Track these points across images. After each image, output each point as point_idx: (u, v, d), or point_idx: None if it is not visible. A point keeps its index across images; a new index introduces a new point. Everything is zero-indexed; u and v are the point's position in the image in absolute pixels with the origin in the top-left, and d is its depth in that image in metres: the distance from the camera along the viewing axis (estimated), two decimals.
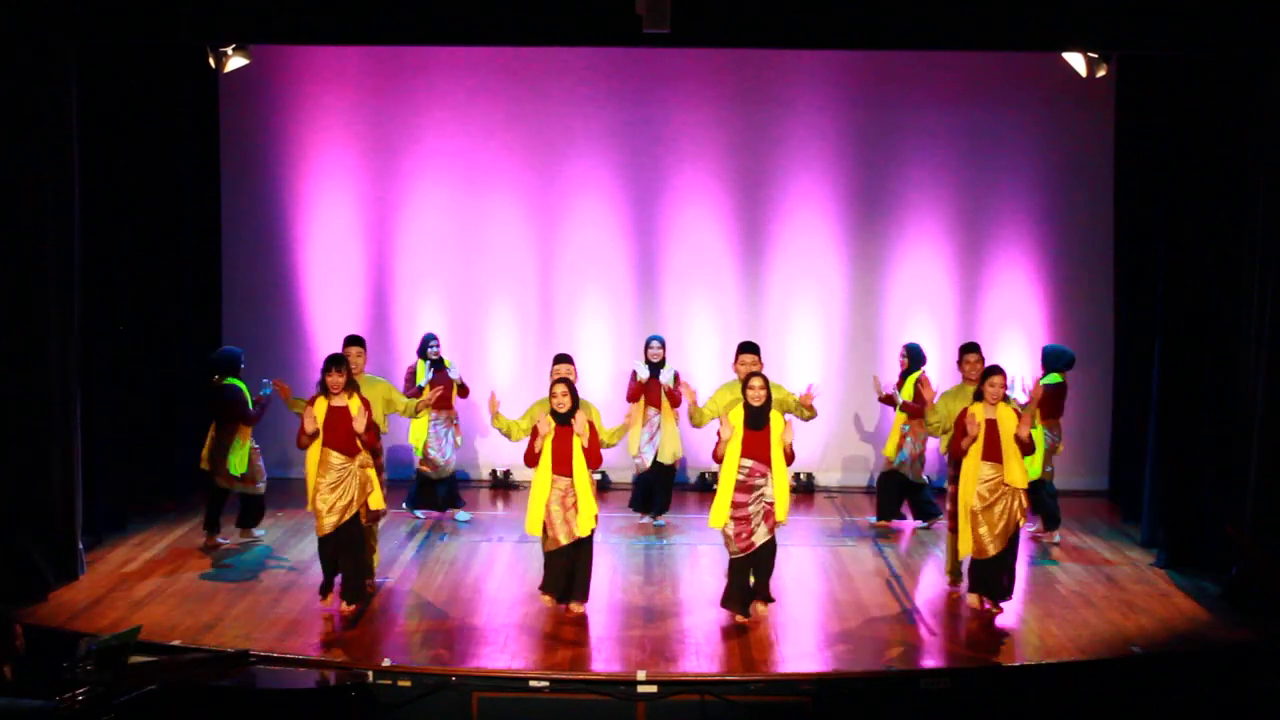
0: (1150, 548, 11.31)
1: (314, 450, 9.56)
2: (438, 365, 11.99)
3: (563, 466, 9.48)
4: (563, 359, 10.61)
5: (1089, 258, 13.43)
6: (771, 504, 9.34)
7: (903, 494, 12.12)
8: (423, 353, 12.02)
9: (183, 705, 7.48)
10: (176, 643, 8.83)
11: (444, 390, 11.61)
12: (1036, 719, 8.61)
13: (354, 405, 9.56)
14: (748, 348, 10.57)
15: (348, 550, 9.63)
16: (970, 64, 13.15)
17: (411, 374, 12.04)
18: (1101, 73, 11.33)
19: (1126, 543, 11.73)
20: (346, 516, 9.54)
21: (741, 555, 9.42)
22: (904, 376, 11.89)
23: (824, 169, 13.57)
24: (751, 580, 9.55)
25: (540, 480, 9.49)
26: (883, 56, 13.13)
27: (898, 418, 11.94)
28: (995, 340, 13.15)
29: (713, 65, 13.37)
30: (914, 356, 11.93)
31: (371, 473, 9.72)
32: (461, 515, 12.31)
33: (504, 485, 13.64)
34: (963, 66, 13.19)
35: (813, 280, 13.69)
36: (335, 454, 9.54)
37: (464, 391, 12.16)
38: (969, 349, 10.83)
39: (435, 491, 12.25)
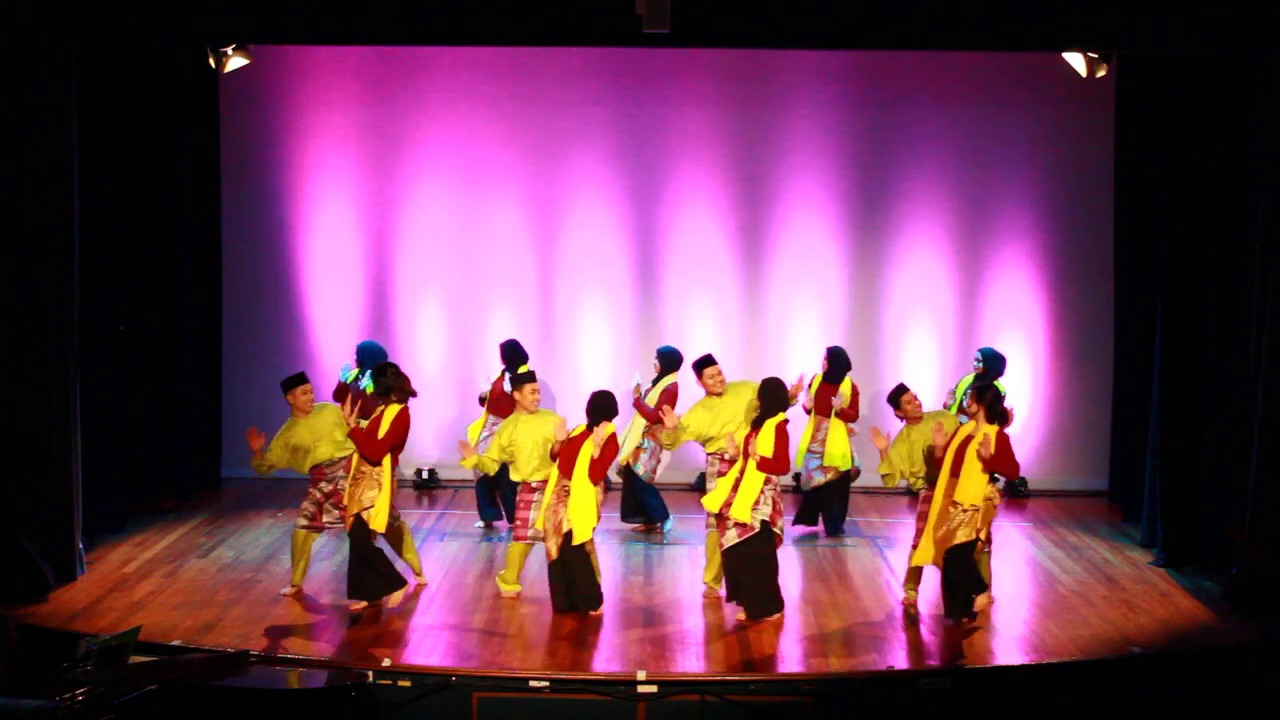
0: (1150, 548, 11.31)
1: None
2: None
3: (569, 470, 9.51)
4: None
5: (1089, 258, 13.43)
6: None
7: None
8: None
9: (183, 705, 7.48)
10: (176, 643, 8.82)
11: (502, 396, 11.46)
12: (1036, 719, 8.61)
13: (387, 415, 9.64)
14: (710, 360, 10.42)
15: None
16: (970, 64, 13.15)
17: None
18: (1101, 73, 11.32)
19: (1126, 543, 11.73)
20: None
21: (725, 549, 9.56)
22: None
23: (824, 169, 13.56)
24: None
25: (550, 477, 9.60)
26: (883, 56, 13.13)
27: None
28: (995, 340, 13.13)
29: (713, 65, 13.37)
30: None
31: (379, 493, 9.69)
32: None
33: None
34: (963, 66, 13.19)
35: (813, 280, 13.69)
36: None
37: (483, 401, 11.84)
38: (901, 391, 10.33)
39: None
